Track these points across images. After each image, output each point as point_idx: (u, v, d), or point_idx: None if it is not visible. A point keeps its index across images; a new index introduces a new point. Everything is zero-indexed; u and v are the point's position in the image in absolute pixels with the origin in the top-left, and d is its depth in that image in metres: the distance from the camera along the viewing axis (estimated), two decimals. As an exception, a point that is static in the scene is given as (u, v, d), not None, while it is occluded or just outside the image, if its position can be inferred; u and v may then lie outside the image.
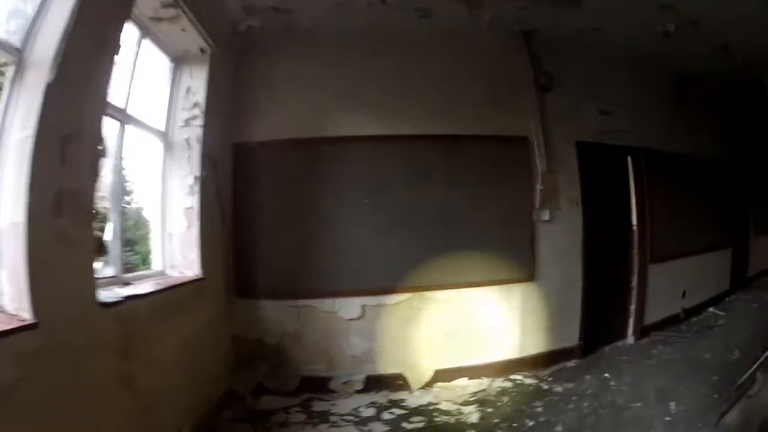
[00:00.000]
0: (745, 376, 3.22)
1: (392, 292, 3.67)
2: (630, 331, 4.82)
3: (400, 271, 3.67)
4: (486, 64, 3.97)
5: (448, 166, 3.73)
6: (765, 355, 3.24)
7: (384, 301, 3.66)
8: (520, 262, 3.86)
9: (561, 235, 4.02)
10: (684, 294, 5.58)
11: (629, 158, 4.84)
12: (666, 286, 5.23)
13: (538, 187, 3.80)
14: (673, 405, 3.29)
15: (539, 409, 3.34)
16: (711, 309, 6.14)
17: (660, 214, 5.02)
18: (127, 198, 3.06)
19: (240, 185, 3.69)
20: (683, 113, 5.86)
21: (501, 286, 3.82)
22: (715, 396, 3.43)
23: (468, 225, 3.72)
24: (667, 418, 3.15)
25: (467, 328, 3.78)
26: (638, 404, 3.36)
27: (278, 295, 3.69)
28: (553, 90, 4.07)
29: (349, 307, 3.67)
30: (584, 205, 4.16)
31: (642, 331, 4.85)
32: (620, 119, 4.64)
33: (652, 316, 4.99)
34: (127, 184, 2.96)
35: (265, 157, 3.72)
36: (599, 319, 4.46)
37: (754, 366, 3.23)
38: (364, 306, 3.66)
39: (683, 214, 5.59)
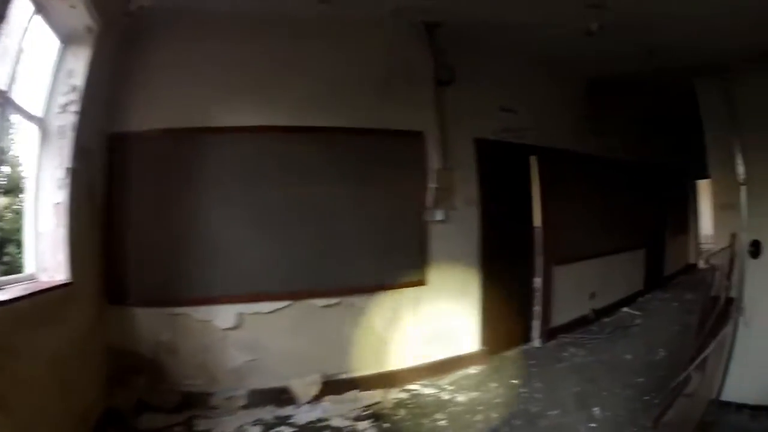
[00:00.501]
0: (682, 376, 3.17)
1: (272, 299, 3.42)
2: (536, 334, 4.84)
3: (280, 276, 3.43)
4: (385, 55, 3.81)
5: (335, 160, 3.54)
6: (702, 355, 3.19)
7: (263, 308, 3.41)
8: (412, 265, 3.74)
9: (456, 236, 3.94)
10: (593, 295, 5.72)
11: (533, 158, 4.88)
12: (573, 288, 5.34)
13: (432, 185, 3.68)
14: (597, 410, 3.23)
15: (443, 422, 3.19)
16: (624, 309, 6.35)
17: (566, 215, 5.10)
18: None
19: (115, 180, 3.34)
20: (594, 115, 6.02)
21: (392, 291, 3.66)
22: (646, 398, 3.43)
23: (356, 225, 3.54)
24: (592, 425, 3.05)
25: (356, 336, 3.58)
26: (556, 411, 3.28)
27: (152, 302, 3.37)
28: (453, 84, 3.98)
29: (224, 315, 3.38)
30: (482, 204, 4.12)
31: (549, 334, 4.89)
32: (524, 118, 4.66)
33: (559, 318, 5.06)
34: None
35: (141, 149, 3.40)
36: (501, 322, 4.44)
37: (692, 365, 3.18)
38: (240, 314, 3.38)
39: (591, 215, 5.75)
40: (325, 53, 3.62)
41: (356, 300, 3.55)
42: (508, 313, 4.60)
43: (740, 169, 5.83)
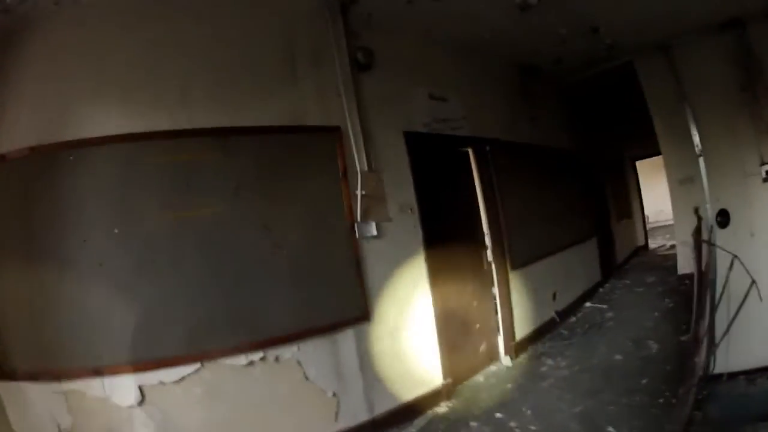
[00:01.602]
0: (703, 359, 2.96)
1: (175, 363, 2.64)
2: (502, 351, 4.38)
3: (181, 332, 2.66)
4: (290, 37, 3.18)
5: (235, 171, 2.83)
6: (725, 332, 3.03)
7: (167, 376, 2.63)
8: (348, 297, 3.10)
9: (396, 253, 3.38)
10: (555, 296, 5.40)
11: (471, 150, 4.48)
12: (533, 292, 4.97)
13: (358, 192, 3.11)
14: (611, 430, 2.84)
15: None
16: (588, 304, 6.11)
17: (514, 213, 4.76)
18: None
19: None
20: (529, 102, 5.82)
21: (327, 334, 3.01)
22: (660, 400, 3.10)
23: (269, 253, 2.85)
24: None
25: (288, 397, 2.88)
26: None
27: (38, 374, 2.65)
28: (373, 70, 3.47)
29: (123, 389, 2.59)
30: (422, 211, 3.60)
31: (517, 349, 4.46)
32: (456, 106, 4.27)
33: (524, 329, 4.65)
34: None
35: (3, 176, 2.67)
36: (463, 347, 3.96)
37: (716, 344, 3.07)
38: (141, 387, 2.61)
39: (540, 210, 5.48)
40: (218, 38, 2.94)
41: (283, 351, 2.84)
42: (469, 334, 4.11)
43: (696, 140, 5.97)
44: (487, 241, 4.47)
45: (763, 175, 5.77)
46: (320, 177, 3.05)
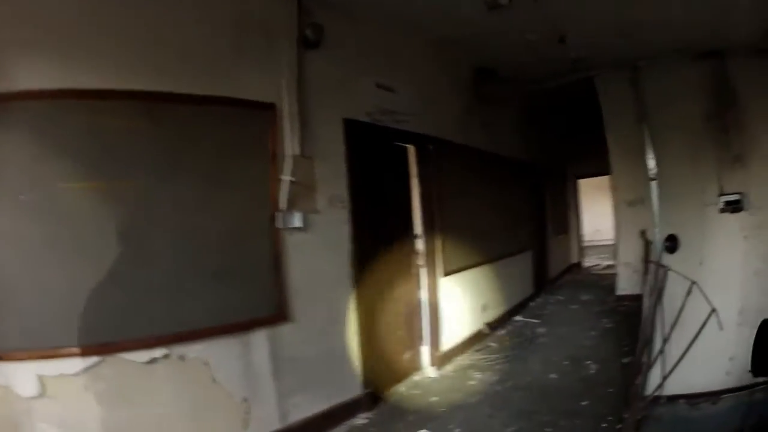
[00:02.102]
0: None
1: (76, 354, 2.31)
2: (427, 360, 4.30)
3: (85, 320, 2.33)
4: (239, 4, 2.90)
5: (155, 142, 2.51)
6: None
7: (68, 367, 2.30)
8: (265, 293, 2.85)
9: (321, 249, 3.18)
10: (485, 306, 5.40)
11: (413, 147, 4.36)
12: (464, 301, 4.96)
13: (286, 178, 2.87)
14: None
15: None
16: (519, 318, 6.17)
17: (451, 217, 4.69)
18: None
19: None
20: (482, 107, 5.78)
21: (236, 335, 2.73)
22: (604, 425, 2.99)
23: (181, 238, 2.56)
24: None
25: (190, 404, 2.60)
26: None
27: None
28: (321, 48, 3.24)
29: (23, 378, 2.25)
30: (354, 206, 3.41)
31: (443, 359, 4.39)
32: (404, 99, 4.12)
33: (450, 340, 4.59)
34: None
35: None
36: (386, 354, 3.83)
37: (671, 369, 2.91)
38: (42, 377, 2.26)
39: (479, 216, 5.48)
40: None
41: (188, 350, 2.55)
42: (394, 341, 3.98)
43: (651, 164, 6.13)
44: (420, 244, 4.37)
45: (721, 205, 6.01)
46: (248, 158, 2.79)
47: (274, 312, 2.85)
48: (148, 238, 2.46)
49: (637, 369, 3.47)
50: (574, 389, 3.72)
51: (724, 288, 2.98)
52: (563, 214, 10.01)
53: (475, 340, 5.07)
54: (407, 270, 4.25)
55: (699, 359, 2.91)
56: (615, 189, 6.42)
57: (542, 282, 7.89)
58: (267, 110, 2.88)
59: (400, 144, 4.26)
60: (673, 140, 6.08)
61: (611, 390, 3.61)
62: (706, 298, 2.53)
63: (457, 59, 5.24)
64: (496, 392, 3.77)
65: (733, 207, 5.90)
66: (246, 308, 2.74)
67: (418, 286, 4.34)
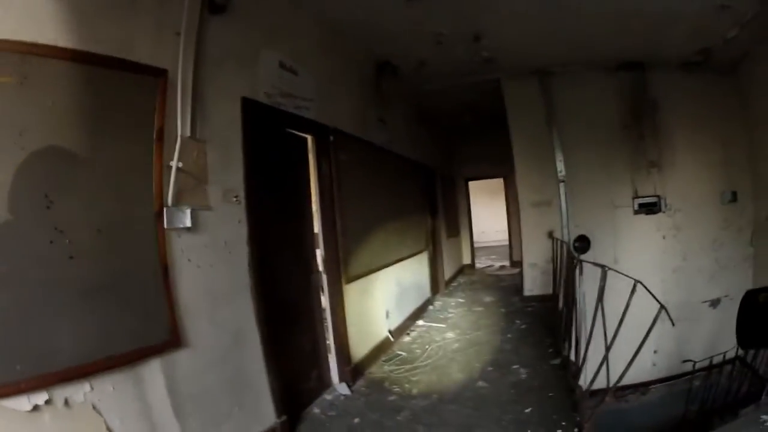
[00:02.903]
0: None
1: None
2: (336, 376, 3.99)
3: None
4: None
5: (21, 108, 1.86)
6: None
7: None
8: (150, 314, 2.28)
9: (215, 253, 2.69)
10: (388, 313, 5.22)
11: (311, 138, 4.04)
12: (368, 308, 4.73)
13: (174, 164, 2.36)
14: None
15: None
16: (421, 323, 6.09)
17: (353, 216, 4.45)
18: None
19: None
20: (381, 102, 5.62)
21: (124, 368, 2.14)
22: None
23: (47, 245, 1.90)
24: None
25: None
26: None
27: None
28: (227, 14, 2.79)
29: None
30: (250, 202, 2.97)
31: (353, 373, 4.10)
32: (306, 83, 3.79)
33: (359, 351, 4.33)
34: None
35: None
36: (294, 373, 3.43)
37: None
38: None
39: (380, 216, 5.32)
40: None
41: (72, 392, 1.93)
42: (301, 358, 3.61)
43: (560, 166, 6.37)
44: (320, 246, 4.06)
45: (635, 207, 6.46)
46: (130, 135, 2.23)
47: (165, 337, 2.31)
48: (8, 246, 1.81)
49: (576, 369, 3.49)
50: (509, 397, 3.62)
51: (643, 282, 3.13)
52: (455, 215, 10.30)
53: (381, 349, 4.86)
54: (308, 277, 3.90)
55: (625, 354, 2.86)
56: (520, 190, 6.63)
57: (437, 284, 7.97)
58: (158, 76, 2.34)
59: (299, 133, 3.91)
60: (584, 145, 6.43)
61: (552, 394, 3.55)
62: (654, 297, 2.52)
63: (360, 50, 5.07)
64: (423, 408, 3.54)
65: (649, 209, 6.42)
66: (131, 334, 2.17)
67: (320, 295, 4.02)
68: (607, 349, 2.80)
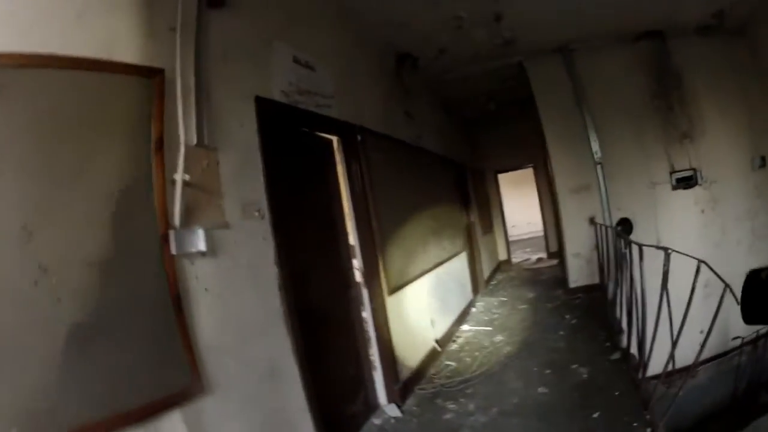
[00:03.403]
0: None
1: None
2: (383, 397, 3.56)
3: None
4: None
5: None
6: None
7: None
8: (164, 356, 1.87)
9: (239, 279, 2.27)
10: (433, 321, 4.77)
11: (337, 139, 3.64)
12: (412, 319, 4.28)
13: (178, 177, 1.96)
14: None
15: None
16: (467, 327, 5.64)
17: (389, 221, 4.03)
18: None
19: None
20: (404, 95, 5.23)
21: (141, 425, 1.71)
22: None
23: (29, 282, 1.51)
24: None
25: None
26: None
27: None
28: (228, 7, 2.39)
29: None
30: (275, 215, 2.55)
31: (403, 391, 3.67)
32: (325, 78, 3.39)
33: (406, 368, 3.90)
34: None
35: None
36: (339, 402, 3.02)
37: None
38: None
39: (416, 219, 4.87)
40: None
41: None
42: (346, 384, 3.21)
43: (595, 147, 5.91)
44: (357, 257, 3.64)
45: (673, 183, 6.02)
46: (123, 147, 1.84)
47: (187, 382, 1.89)
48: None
49: (639, 362, 3.16)
50: (574, 401, 3.22)
51: (686, 263, 2.86)
52: (487, 210, 9.80)
53: (429, 361, 4.42)
54: (346, 292, 3.49)
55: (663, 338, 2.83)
56: (557, 176, 6.13)
57: (478, 284, 7.50)
58: (152, 77, 1.94)
59: (323, 134, 3.51)
60: (616, 122, 5.98)
61: (618, 393, 3.15)
62: (719, 277, 2.35)
63: (380, 42, 4.66)
64: (484, 425, 3.13)
65: (686, 183, 5.94)
66: (143, 384, 1.76)
67: (361, 310, 3.60)
68: (676, 337, 2.63)
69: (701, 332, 3.23)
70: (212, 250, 2.09)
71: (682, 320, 2.61)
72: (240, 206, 2.32)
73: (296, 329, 2.54)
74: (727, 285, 2.45)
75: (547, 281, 7.62)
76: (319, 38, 3.51)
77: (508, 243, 10.60)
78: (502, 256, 10.35)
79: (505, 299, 6.91)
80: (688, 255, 2.69)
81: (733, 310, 4.50)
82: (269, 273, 2.46)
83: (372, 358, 3.60)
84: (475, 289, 7.18)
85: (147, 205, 1.86)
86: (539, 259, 10.30)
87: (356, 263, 3.65)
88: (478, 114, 9.02)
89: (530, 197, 12.49)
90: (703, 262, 2.57)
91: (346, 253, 3.60)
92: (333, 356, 3.14)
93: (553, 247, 10.03)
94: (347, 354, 3.37)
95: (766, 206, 5.73)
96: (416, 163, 5.31)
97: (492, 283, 8.42)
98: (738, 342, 4.47)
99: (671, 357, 2.75)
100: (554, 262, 9.43)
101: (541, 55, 5.93)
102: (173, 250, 1.89)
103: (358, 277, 3.64)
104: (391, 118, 4.78)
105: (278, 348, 2.43)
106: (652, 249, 3.00)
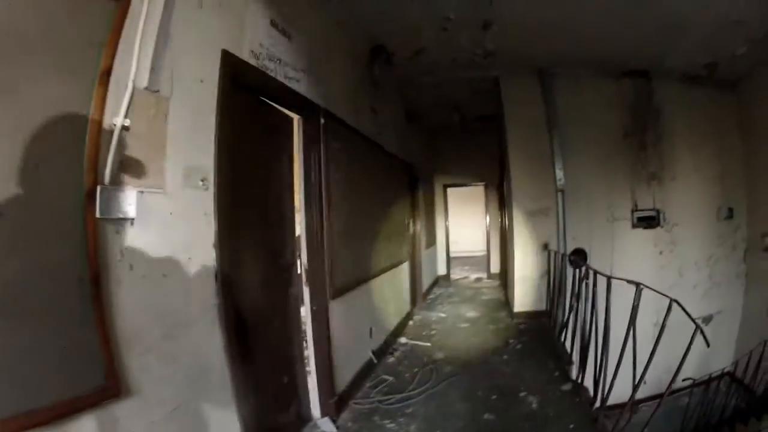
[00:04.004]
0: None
1: None
2: (317, 410, 3.24)
3: None
4: None
5: None
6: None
7: None
8: (75, 349, 1.46)
9: (168, 260, 1.86)
10: (371, 331, 4.50)
11: (298, 119, 3.30)
12: (353, 327, 4.01)
13: (118, 121, 1.56)
14: None
15: None
16: (404, 340, 5.40)
17: (339, 219, 3.72)
18: None
19: None
20: (374, 90, 4.96)
21: (49, 425, 1.33)
22: None
23: None
24: None
25: None
26: None
27: None
28: None
29: None
30: (221, 190, 2.17)
31: (338, 405, 3.37)
32: (299, 50, 3.06)
33: (343, 379, 3.58)
34: None
35: None
36: (267, 413, 2.65)
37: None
38: None
39: (368, 221, 4.60)
40: None
41: None
42: (280, 394, 2.84)
43: (560, 174, 5.84)
44: (302, 251, 3.31)
45: (634, 220, 6.06)
46: (62, 68, 1.43)
47: (102, 383, 1.50)
48: None
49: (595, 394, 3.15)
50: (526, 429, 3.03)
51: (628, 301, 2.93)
52: (432, 223, 9.67)
53: (366, 373, 4.13)
54: (286, 289, 3.13)
55: (620, 372, 2.91)
56: (515, 198, 6.03)
57: (416, 297, 7.30)
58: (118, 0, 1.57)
59: (286, 111, 3.15)
60: (584, 152, 5.94)
61: (571, 425, 2.99)
62: (689, 316, 2.46)
63: (357, 27, 4.34)
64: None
65: (647, 223, 6.00)
66: (50, 378, 1.37)
67: (300, 311, 3.26)
68: (642, 372, 2.67)
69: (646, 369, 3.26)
70: (143, 220, 1.70)
71: (650, 356, 2.65)
72: (183, 171, 1.94)
73: (230, 327, 2.17)
74: (698, 326, 2.47)
75: (489, 302, 7.53)
76: (301, 6, 3.19)
77: (449, 259, 10.53)
78: (441, 271, 10.23)
79: (444, 315, 6.73)
80: (658, 292, 2.66)
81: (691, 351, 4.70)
82: (206, 256, 2.08)
83: (308, 365, 3.28)
84: (414, 302, 6.98)
85: (75, 147, 1.46)
86: (478, 279, 10.30)
87: (301, 259, 3.33)
88: (440, 124, 8.90)
89: (477, 215, 12.54)
90: (675, 301, 2.57)
91: (291, 246, 3.24)
92: (267, 361, 2.76)
93: (495, 269, 10.08)
94: (282, 359, 3.00)
95: (727, 255, 5.89)
96: (375, 161, 5.03)
97: (430, 297, 8.26)
98: (689, 383, 4.49)
99: (634, 391, 2.76)
100: (495, 283, 9.46)
101: (519, 74, 5.86)
102: (98, 212, 1.50)
103: (303, 275, 3.32)
104: (357, 110, 4.48)
105: (209, 347, 2.05)
106: (619, 282, 2.95)
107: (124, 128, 1.56)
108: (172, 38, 1.85)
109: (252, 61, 2.46)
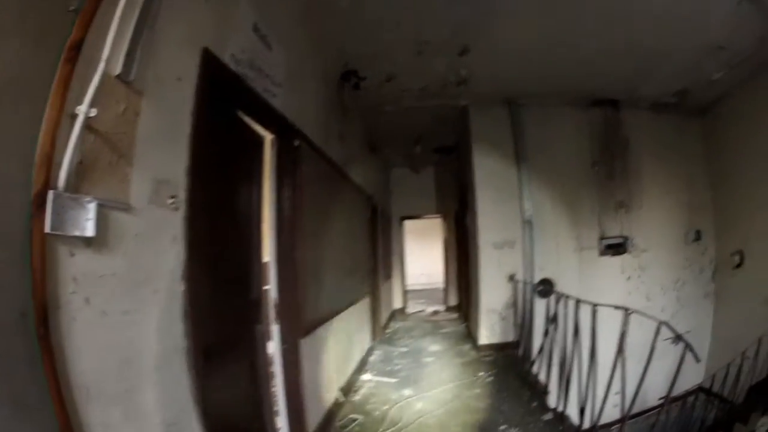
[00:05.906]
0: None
1: None
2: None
3: None
4: None
5: None
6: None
7: None
8: (13, 403, 1.03)
9: (131, 292, 1.47)
10: (337, 369, 4.15)
11: (271, 138, 3.01)
12: (321, 366, 3.63)
13: (81, 111, 1.21)
14: None
15: None
16: (368, 377, 5.03)
17: (309, 249, 3.40)
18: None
19: None
20: (341, 115, 4.75)
21: None
22: None
23: None
24: None
25: None
26: None
27: None
28: None
29: None
30: (192, 210, 1.81)
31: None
32: (278, 62, 2.79)
33: (311, 420, 3.19)
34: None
35: None
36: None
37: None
38: None
39: (333, 252, 4.27)
40: None
41: None
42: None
43: (527, 205, 5.75)
44: (272, 286, 2.95)
45: (601, 248, 6.02)
46: (24, 44, 1.08)
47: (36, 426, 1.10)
48: None
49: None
50: None
51: (606, 327, 3.08)
52: (389, 256, 9.41)
53: (334, 413, 3.75)
54: (252, 327, 2.74)
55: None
56: (482, 229, 5.89)
57: (376, 332, 6.97)
58: None
59: (259, 128, 2.84)
60: (552, 181, 5.90)
61: None
62: (682, 339, 2.69)
63: (331, 46, 4.14)
64: None
65: (615, 250, 6.01)
66: None
67: (268, 351, 2.88)
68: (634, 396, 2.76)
69: (616, 393, 3.20)
70: (103, 241, 1.34)
71: (641, 379, 2.74)
72: (151, 184, 1.59)
73: (199, 374, 1.79)
74: (688, 344, 2.66)
75: (451, 335, 7.28)
76: (282, 17, 2.95)
77: (405, 292, 10.25)
78: (397, 304, 9.93)
79: (406, 350, 6.39)
80: (648, 316, 2.80)
81: (655, 371, 4.69)
82: (174, 290, 1.71)
83: (277, 410, 2.89)
84: (374, 336, 6.64)
85: (22, 134, 1.10)
86: (435, 312, 10.06)
87: (270, 294, 2.97)
88: (400, 155, 8.77)
89: (434, 248, 12.41)
90: (665, 323, 2.69)
91: (259, 280, 2.88)
92: (235, 408, 2.39)
93: (453, 301, 9.88)
94: (251, 405, 2.62)
95: (693, 277, 5.97)
96: (343, 191, 4.77)
97: (388, 331, 7.92)
98: (650, 403, 4.42)
99: (629, 410, 2.80)
100: (453, 315, 9.25)
101: (488, 103, 5.84)
102: (48, 226, 1.13)
103: (272, 311, 2.96)
104: (327, 135, 4.22)
105: (177, 397, 1.67)
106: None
107: (89, 120, 1.22)
108: (155, 21, 1.54)
109: (232, 66, 2.16)
